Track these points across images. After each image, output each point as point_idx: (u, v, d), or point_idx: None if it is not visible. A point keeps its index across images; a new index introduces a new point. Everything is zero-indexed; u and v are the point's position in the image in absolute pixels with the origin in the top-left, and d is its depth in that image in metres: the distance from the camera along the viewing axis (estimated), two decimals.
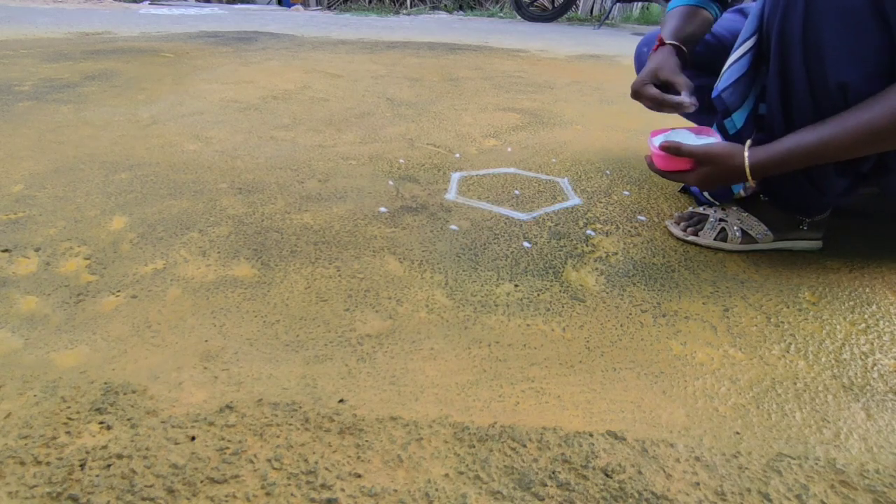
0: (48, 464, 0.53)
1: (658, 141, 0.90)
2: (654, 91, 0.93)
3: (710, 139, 0.89)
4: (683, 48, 0.97)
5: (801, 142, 0.77)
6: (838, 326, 0.79)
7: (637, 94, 0.96)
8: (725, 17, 1.15)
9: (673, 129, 0.94)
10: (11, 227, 0.96)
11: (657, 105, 0.94)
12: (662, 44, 0.98)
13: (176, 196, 1.11)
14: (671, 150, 0.86)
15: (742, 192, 1.19)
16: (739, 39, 0.89)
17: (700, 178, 0.86)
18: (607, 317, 0.79)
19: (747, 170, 0.81)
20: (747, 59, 0.87)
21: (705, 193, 1.04)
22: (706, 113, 1.24)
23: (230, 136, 1.48)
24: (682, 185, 1.19)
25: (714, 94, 0.91)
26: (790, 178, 0.90)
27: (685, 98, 0.90)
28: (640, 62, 1.25)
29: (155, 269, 0.86)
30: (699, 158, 0.84)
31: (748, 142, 0.83)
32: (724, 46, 1.12)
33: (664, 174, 0.91)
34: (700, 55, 1.14)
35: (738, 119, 0.90)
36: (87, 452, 0.54)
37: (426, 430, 0.58)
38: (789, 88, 0.82)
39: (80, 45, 2.89)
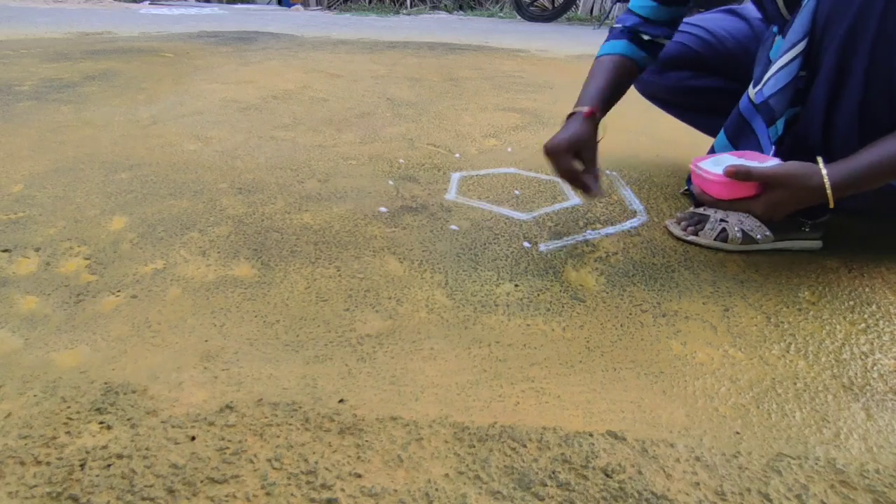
0: (48, 464, 0.53)
1: (709, 166, 0.82)
2: (574, 165, 0.90)
3: (763, 163, 0.81)
4: (599, 118, 0.95)
5: (886, 155, 0.71)
6: (838, 326, 0.79)
7: (554, 156, 0.90)
8: (717, 16, 1.15)
9: (715, 154, 0.89)
10: (11, 227, 0.96)
11: (570, 178, 0.91)
12: (592, 113, 0.94)
13: (176, 196, 1.11)
14: (740, 175, 0.77)
15: None
16: (786, 44, 0.84)
17: (770, 204, 0.78)
18: (607, 317, 0.79)
19: (828, 189, 0.73)
20: (797, 64, 0.82)
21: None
22: (705, 114, 1.23)
23: (230, 136, 1.48)
24: (686, 187, 1.19)
25: (759, 99, 0.87)
26: None
27: (593, 184, 0.89)
28: None
29: (155, 269, 0.86)
30: (772, 181, 0.77)
31: (819, 159, 0.76)
32: (724, 46, 1.12)
33: (723, 205, 0.83)
34: (700, 55, 1.14)
35: (780, 126, 0.87)
36: (87, 452, 0.54)
37: (426, 430, 0.58)
38: (842, 91, 0.78)
39: (80, 45, 2.89)
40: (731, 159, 0.83)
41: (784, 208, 0.79)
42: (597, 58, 1.03)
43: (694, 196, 1.09)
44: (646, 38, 1.00)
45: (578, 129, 0.91)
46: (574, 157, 0.90)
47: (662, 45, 1.03)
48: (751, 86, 0.92)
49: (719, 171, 0.80)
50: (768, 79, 0.86)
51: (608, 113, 0.99)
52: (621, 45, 1.00)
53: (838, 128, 0.81)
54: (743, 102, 0.92)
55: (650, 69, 1.16)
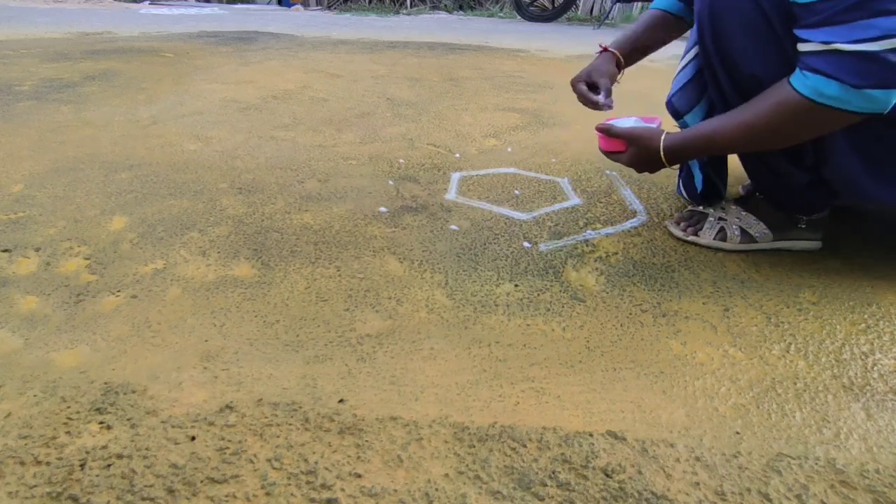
0: (48, 464, 0.53)
1: (611, 123, 0.97)
2: (582, 88, 1.04)
3: (639, 123, 0.96)
4: (620, 56, 1.07)
5: (700, 130, 0.84)
6: (838, 326, 0.79)
7: (572, 84, 1.07)
8: None
9: (627, 115, 1.00)
10: (11, 227, 0.96)
11: (582, 100, 1.05)
12: (604, 50, 1.08)
13: (176, 196, 1.11)
14: (604, 130, 0.94)
15: (741, 191, 1.19)
16: (685, 48, 0.97)
17: (630, 158, 0.92)
18: (607, 317, 0.79)
19: (661, 152, 0.87)
20: (693, 65, 0.95)
21: (683, 193, 1.12)
22: None
23: (230, 136, 1.48)
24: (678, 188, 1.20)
25: (666, 100, 0.99)
26: (761, 174, 0.95)
27: (601, 98, 1.02)
28: None
29: (155, 269, 0.86)
30: (625, 139, 0.91)
31: (672, 127, 0.90)
32: None
33: (606, 154, 0.97)
34: None
35: (690, 121, 0.97)
36: (87, 452, 0.54)
37: (426, 430, 0.58)
38: (721, 89, 0.88)
39: (80, 45, 2.89)
40: (633, 121, 0.97)
41: (641, 163, 0.92)
42: (651, 8, 1.13)
43: (688, 196, 1.11)
44: None
45: (593, 62, 1.07)
46: (589, 85, 1.05)
47: None
48: None
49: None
50: (673, 81, 0.99)
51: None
52: (668, 3, 1.08)
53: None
54: None
55: None
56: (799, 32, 0.71)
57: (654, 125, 0.95)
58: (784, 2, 0.72)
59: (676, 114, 0.98)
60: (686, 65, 0.96)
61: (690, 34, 0.97)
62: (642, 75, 2.62)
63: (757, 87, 0.79)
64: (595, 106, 1.03)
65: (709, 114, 0.97)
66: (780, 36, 0.76)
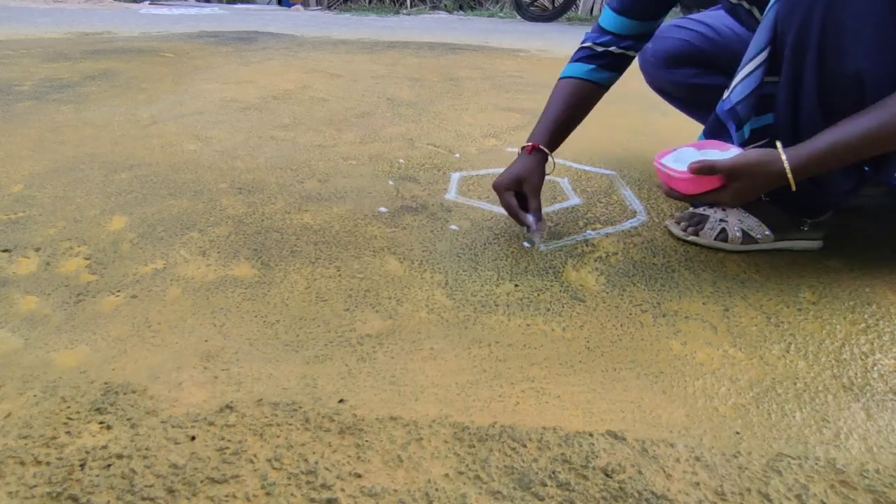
0: (48, 464, 0.53)
1: (672, 162, 0.84)
2: (512, 201, 0.95)
3: (723, 152, 0.84)
4: (549, 154, 0.99)
5: (843, 136, 0.74)
6: (838, 326, 0.79)
7: (497, 192, 0.97)
8: (720, 14, 1.15)
9: (676, 148, 0.89)
10: (11, 227, 0.96)
11: (511, 215, 0.96)
12: (535, 148, 0.98)
13: (176, 196, 1.11)
14: (705, 170, 0.79)
15: None
16: (750, 53, 0.87)
17: (736, 193, 0.81)
18: (607, 317, 0.79)
19: (788, 173, 0.76)
20: (760, 73, 0.85)
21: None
22: (709, 110, 1.24)
23: (230, 136, 1.48)
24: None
25: (727, 106, 0.89)
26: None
27: (532, 222, 0.93)
28: (643, 59, 1.26)
29: (155, 269, 0.86)
30: (735, 172, 0.79)
31: (778, 144, 0.79)
32: (727, 43, 1.12)
33: (691, 198, 0.84)
34: (704, 52, 1.14)
35: (746, 131, 0.89)
36: (87, 452, 0.54)
37: (426, 430, 0.58)
38: (799, 91, 0.81)
39: (80, 45, 2.89)
40: (691, 151, 0.85)
41: (750, 195, 0.82)
42: (560, 78, 1.05)
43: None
44: (616, 51, 1.01)
45: (520, 165, 0.97)
46: (516, 192, 0.96)
47: (632, 56, 1.04)
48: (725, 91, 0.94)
49: (682, 166, 0.81)
50: (734, 86, 0.88)
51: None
52: (583, 70, 1.03)
53: (805, 128, 0.82)
54: (719, 105, 0.94)
55: (657, 65, 1.18)
56: None
57: (732, 152, 0.83)
58: None
59: (739, 123, 0.89)
60: (754, 70, 0.86)
61: (756, 34, 0.86)
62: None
63: (855, 86, 0.74)
64: (523, 225, 0.94)
65: (762, 129, 0.90)
66: None
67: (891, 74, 0.73)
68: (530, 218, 0.94)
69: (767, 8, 0.84)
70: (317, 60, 2.65)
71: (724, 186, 0.81)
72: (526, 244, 0.97)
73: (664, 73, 1.22)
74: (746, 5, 0.98)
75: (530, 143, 0.99)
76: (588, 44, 1.03)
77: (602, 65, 1.02)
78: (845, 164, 0.77)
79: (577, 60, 1.04)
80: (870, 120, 0.73)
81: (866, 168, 0.86)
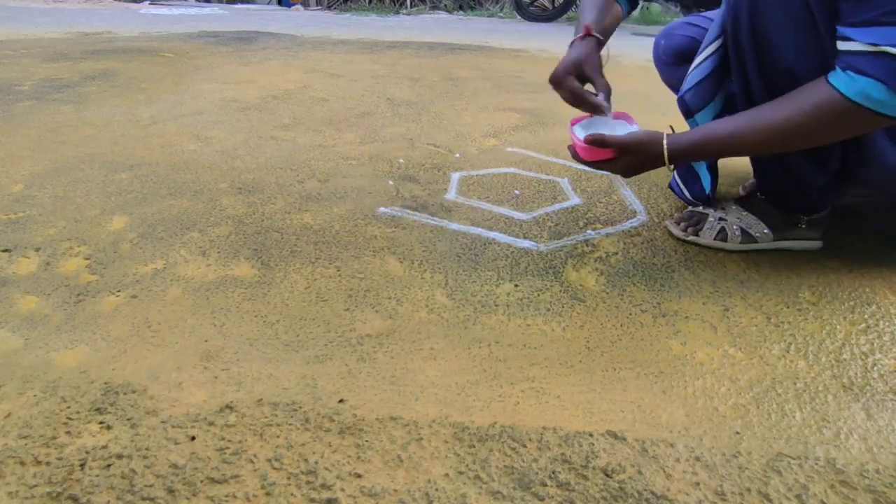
0: (48, 464, 0.53)
1: (579, 131, 0.90)
2: (576, 85, 0.91)
3: (630, 127, 0.90)
4: (604, 41, 0.96)
5: (715, 132, 0.80)
6: (838, 326, 0.79)
7: (557, 83, 0.92)
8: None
9: (591, 115, 0.93)
10: (11, 227, 0.96)
11: (576, 100, 0.92)
12: (588, 34, 0.94)
13: (176, 196, 1.11)
14: (595, 143, 0.85)
15: (741, 191, 1.19)
16: (703, 44, 0.91)
17: (624, 167, 0.87)
18: (607, 317, 0.79)
19: (665, 156, 0.82)
20: (711, 62, 0.89)
21: (686, 194, 1.06)
22: None
23: (230, 136, 1.48)
24: (670, 183, 1.19)
25: (678, 95, 0.93)
26: (775, 174, 0.93)
27: (604, 102, 0.91)
28: (657, 55, 1.26)
29: (155, 269, 0.86)
30: (623, 148, 0.85)
31: (667, 130, 0.85)
32: None
33: (588, 164, 0.90)
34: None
35: (700, 120, 0.92)
36: (87, 452, 0.54)
37: (426, 430, 0.58)
38: (749, 88, 0.84)
39: (80, 45, 2.89)
40: (600, 121, 0.92)
41: (638, 170, 0.88)
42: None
43: (690, 196, 1.09)
44: None
45: (576, 51, 0.93)
46: (577, 79, 0.92)
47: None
48: None
49: (585, 135, 0.88)
50: (687, 76, 0.93)
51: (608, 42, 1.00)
52: None
53: None
54: None
55: (668, 62, 1.20)
56: (843, 30, 0.68)
57: (634, 125, 0.90)
58: (830, 3, 0.69)
59: (688, 112, 0.93)
60: (703, 60, 0.91)
61: (709, 31, 0.91)
62: (642, 74, 2.63)
63: (790, 82, 0.76)
64: (594, 109, 0.92)
65: (722, 111, 0.93)
66: (822, 32, 0.72)
67: (820, 70, 0.73)
68: (601, 97, 0.92)
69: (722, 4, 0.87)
70: (317, 60, 2.65)
71: (616, 159, 0.87)
72: (526, 244, 0.97)
73: (675, 69, 1.22)
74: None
75: (582, 30, 0.95)
76: None
77: None
78: (717, 156, 0.86)
79: None
80: (734, 123, 0.78)
81: (834, 166, 0.87)
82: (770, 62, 0.79)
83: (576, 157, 0.91)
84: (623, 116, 0.94)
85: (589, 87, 0.94)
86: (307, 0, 7.33)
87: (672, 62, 1.21)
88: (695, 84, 0.91)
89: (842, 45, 0.68)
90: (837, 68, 0.69)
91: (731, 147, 0.79)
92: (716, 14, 1.15)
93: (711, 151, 0.82)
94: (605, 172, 0.94)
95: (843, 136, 0.74)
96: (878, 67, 0.65)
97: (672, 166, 0.85)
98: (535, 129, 1.65)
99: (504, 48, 3.38)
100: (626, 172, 0.89)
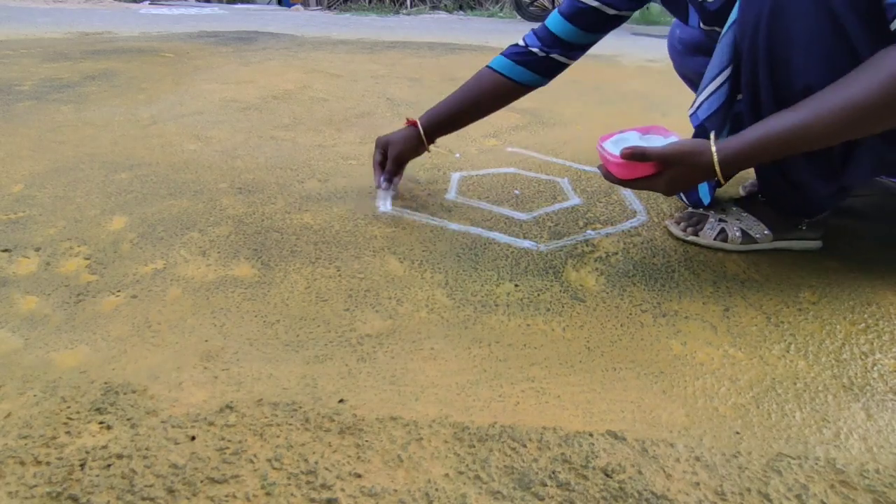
0: (48, 464, 0.53)
1: (611, 147, 0.82)
2: (376, 157, 1.09)
3: (665, 138, 0.83)
4: (422, 132, 1.07)
5: (775, 127, 0.71)
6: (838, 326, 0.79)
7: (377, 145, 1.10)
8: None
9: (620, 131, 0.87)
10: (11, 227, 0.96)
11: (374, 168, 1.09)
12: (411, 124, 1.08)
13: (176, 196, 1.11)
14: (636, 156, 0.77)
15: (741, 191, 1.19)
16: (712, 70, 0.87)
17: (668, 182, 0.79)
18: (607, 317, 0.79)
19: (716, 165, 0.74)
20: (726, 89, 0.86)
21: (683, 198, 1.05)
22: None
23: (230, 135, 1.48)
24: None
25: (695, 122, 0.89)
26: (777, 181, 0.91)
27: (379, 183, 1.07)
28: (671, 45, 1.27)
29: (155, 269, 0.86)
30: (666, 160, 0.77)
31: (712, 134, 0.78)
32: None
33: (626, 184, 0.83)
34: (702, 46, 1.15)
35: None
36: (87, 452, 0.54)
37: (426, 430, 0.58)
38: (759, 107, 0.81)
39: (80, 45, 2.89)
40: (633, 136, 0.84)
41: (683, 184, 0.80)
42: (487, 66, 1.07)
43: (688, 202, 1.09)
44: (553, 56, 1.03)
45: (396, 133, 1.09)
46: (382, 153, 1.09)
47: (562, 64, 1.06)
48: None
49: (619, 151, 0.80)
50: (701, 102, 0.88)
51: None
52: (507, 66, 1.05)
53: None
54: (691, 118, 0.94)
55: (683, 52, 1.21)
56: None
57: (672, 137, 0.82)
58: (866, 8, 0.65)
59: (709, 139, 0.88)
60: (720, 86, 0.86)
61: (717, 52, 0.86)
62: (642, 75, 2.62)
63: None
64: (376, 181, 1.07)
65: (730, 133, 0.88)
66: (856, 44, 0.69)
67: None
68: (380, 179, 1.07)
69: (727, 26, 0.83)
70: (317, 60, 2.65)
71: (658, 174, 0.79)
72: (526, 244, 0.97)
73: (688, 59, 1.23)
74: (706, 27, 1.00)
75: (411, 120, 1.09)
76: (522, 42, 1.05)
77: (533, 66, 1.04)
78: (776, 157, 0.75)
79: (505, 55, 1.06)
80: (798, 114, 0.70)
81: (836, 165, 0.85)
82: (787, 80, 0.75)
83: (609, 177, 0.83)
84: (656, 130, 0.86)
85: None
86: (307, 0, 7.33)
87: (686, 52, 1.22)
88: (714, 111, 0.87)
89: None
90: None
91: (796, 142, 0.71)
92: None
93: (771, 152, 0.72)
94: (645, 191, 0.90)
95: None
96: None
97: (725, 179, 0.77)
98: (535, 129, 1.65)
99: (504, 48, 3.38)
100: (672, 189, 0.80)
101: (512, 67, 1.04)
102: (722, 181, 0.77)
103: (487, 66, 1.07)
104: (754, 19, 0.76)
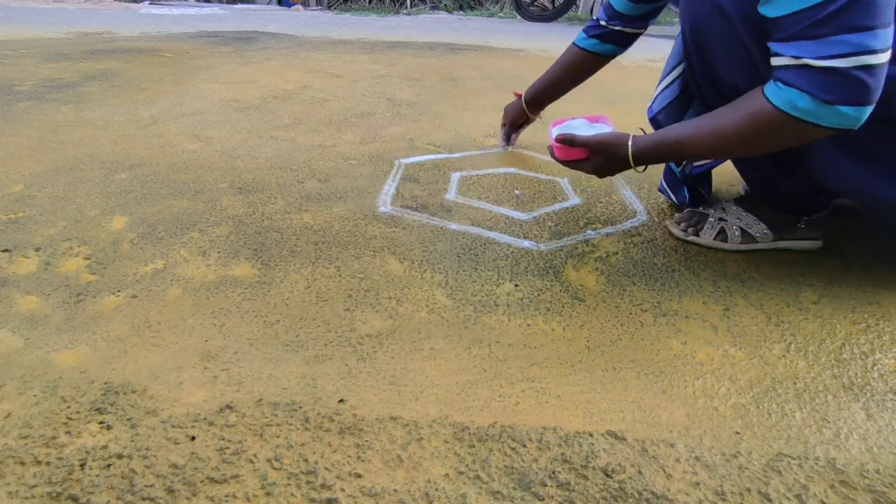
0: (48, 464, 0.53)
1: (556, 132, 0.96)
2: (504, 125, 1.41)
3: (605, 128, 0.97)
4: (524, 103, 1.32)
5: (667, 135, 0.83)
6: (839, 326, 0.79)
7: (505, 115, 1.40)
8: None
9: (572, 118, 1.02)
10: (11, 227, 0.96)
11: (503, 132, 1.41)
12: (519, 96, 1.31)
13: (176, 196, 1.11)
14: (566, 141, 0.91)
15: (741, 191, 1.19)
16: (668, 66, 0.98)
17: (594, 166, 0.91)
18: (607, 316, 0.79)
19: (630, 157, 0.86)
20: (678, 84, 0.96)
21: (672, 197, 1.11)
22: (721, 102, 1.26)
23: (230, 136, 1.48)
24: (659, 186, 1.20)
25: (650, 115, 1.00)
26: (755, 179, 0.96)
27: (502, 142, 1.44)
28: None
29: (155, 269, 0.86)
30: (591, 148, 0.90)
31: (638, 131, 0.89)
32: None
33: (563, 163, 0.95)
34: None
35: None
36: (87, 452, 0.54)
37: (426, 430, 0.58)
38: (707, 102, 0.88)
39: (80, 45, 2.89)
40: (580, 123, 0.99)
41: (606, 169, 0.91)
42: (572, 43, 1.21)
43: (676, 200, 1.10)
44: (616, 28, 1.12)
45: (510, 104, 1.40)
46: (503, 120, 1.41)
47: (633, 34, 1.15)
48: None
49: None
50: (656, 97, 1.00)
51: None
52: (586, 41, 1.17)
53: None
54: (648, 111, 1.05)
55: None
56: (772, 46, 0.70)
57: (608, 127, 0.96)
58: (755, 18, 0.71)
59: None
60: (672, 82, 0.97)
61: (673, 50, 0.98)
62: (643, 74, 2.62)
63: (737, 96, 0.79)
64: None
65: None
66: (751, 52, 0.76)
67: (757, 84, 0.75)
68: (502, 141, 1.44)
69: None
70: (317, 60, 2.65)
71: (587, 159, 0.91)
72: (526, 244, 0.97)
73: None
74: None
75: (517, 93, 1.35)
76: (597, 19, 1.16)
77: (604, 39, 1.14)
78: (674, 159, 0.91)
79: (584, 30, 1.18)
80: (686, 129, 0.81)
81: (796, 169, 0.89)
82: (718, 78, 0.83)
83: (553, 157, 0.96)
84: (602, 120, 1.00)
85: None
86: (307, 0, 7.33)
87: None
88: (666, 105, 0.98)
89: (774, 61, 0.71)
90: (772, 81, 0.71)
91: (686, 150, 0.81)
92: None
93: (670, 153, 0.84)
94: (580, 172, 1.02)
95: (781, 145, 0.75)
96: (801, 79, 0.67)
97: (640, 168, 0.87)
98: (535, 129, 1.65)
99: (504, 48, 3.38)
100: (599, 172, 0.92)
101: (588, 41, 1.16)
102: (636, 170, 0.88)
103: (572, 43, 1.20)
104: (686, 29, 0.86)
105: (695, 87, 0.91)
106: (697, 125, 0.80)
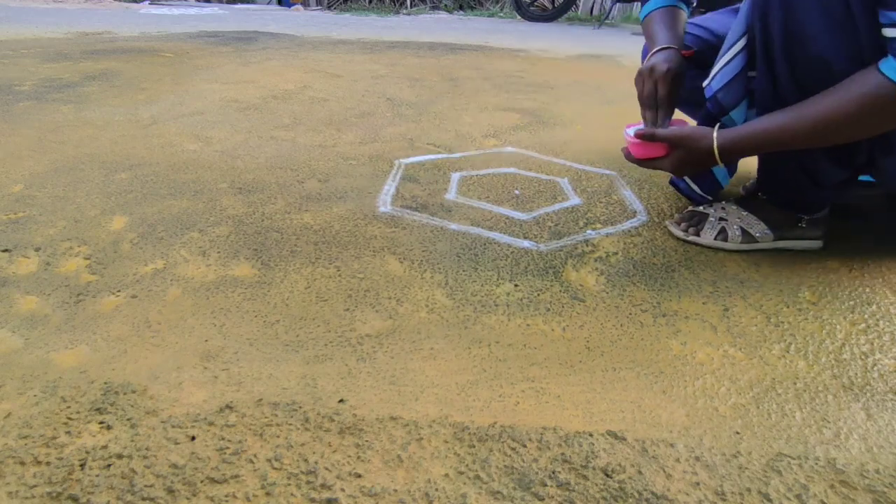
0: (48, 464, 0.53)
1: (632, 131, 0.94)
2: (650, 88, 0.94)
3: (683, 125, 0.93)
4: (676, 49, 0.99)
5: (764, 126, 0.79)
6: (838, 326, 0.79)
7: (651, 71, 0.94)
8: (719, 16, 1.15)
9: (640, 123, 0.98)
10: (11, 227, 0.96)
11: (646, 99, 0.95)
12: (667, 47, 0.98)
13: (176, 196, 1.11)
14: (646, 136, 0.89)
15: (741, 191, 1.19)
16: (728, 43, 0.90)
17: (674, 163, 0.89)
18: (607, 317, 0.79)
19: (715, 151, 0.83)
20: (740, 60, 0.88)
21: (695, 189, 1.05)
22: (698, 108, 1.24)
23: (230, 136, 1.48)
24: (672, 180, 1.19)
25: (708, 93, 0.92)
26: (788, 169, 0.92)
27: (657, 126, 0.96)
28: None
29: (155, 269, 0.86)
30: (672, 142, 0.87)
31: (717, 125, 0.86)
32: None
33: (641, 163, 0.94)
34: (703, 54, 1.14)
35: (736, 116, 0.91)
36: (87, 452, 0.54)
37: (426, 430, 0.58)
38: (775, 81, 0.83)
39: (80, 45, 2.89)
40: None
41: (687, 166, 0.89)
42: (644, 17, 1.08)
43: (681, 191, 1.09)
44: None
45: (654, 57, 0.97)
46: (652, 81, 0.97)
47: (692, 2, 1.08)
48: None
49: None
50: (715, 74, 0.91)
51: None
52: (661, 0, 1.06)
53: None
54: (706, 93, 0.96)
55: None
56: (888, 14, 0.65)
57: (686, 126, 0.91)
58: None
59: (722, 110, 0.91)
60: (733, 57, 0.89)
61: (735, 23, 0.88)
62: None
63: (821, 72, 0.75)
64: (649, 123, 0.95)
65: (749, 107, 0.92)
66: (857, 23, 0.71)
67: (851, 57, 0.72)
68: (660, 124, 0.95)
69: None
70: (317, 60, 2.65)
71: (667, 155, 0.89)
72: (526, 244, 0.97)
73: None
74: None
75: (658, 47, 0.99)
76: None
77: None
78: (766, 150, 0.85)
79: (646, 6, 1.08)
80: (785, 117, 0.77)
81: (860, 161, 0.86)
82: (802, 50, 0.77)
83: (628, 157, 0.94)
84: (678, 122, 0.96)
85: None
86: (307, 0, 7.33)
87: None
88: (728, 82, 0.89)
89: (889, 32, 0.66)
90: (889, 56, 0.67)
91: (786, 139, 0.77)
92: (712, 20, 1.16)
93: (763, 145, 0.80)
94: (659, 171, 0.96)
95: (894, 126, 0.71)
96: None
97: (722, 163, 0.84)
98: (535, 129, 1.65)
99: (504, 48, 3.38)
100: (679, 170, 0.90)
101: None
102: (720, 165, 0.85)
103: (652, 9, 1.06)
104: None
105: (763, 62, 0.84)
106: (799, 112, 0.75)
